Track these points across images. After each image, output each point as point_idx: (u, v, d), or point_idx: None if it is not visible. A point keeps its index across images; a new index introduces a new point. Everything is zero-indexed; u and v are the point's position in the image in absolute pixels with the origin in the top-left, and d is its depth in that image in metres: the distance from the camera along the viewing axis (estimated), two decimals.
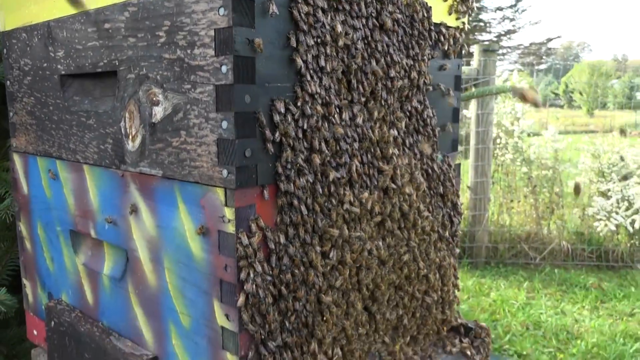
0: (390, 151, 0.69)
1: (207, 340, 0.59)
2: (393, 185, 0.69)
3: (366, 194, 0.65)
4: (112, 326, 0.75)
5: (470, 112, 3.21)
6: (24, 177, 0.88)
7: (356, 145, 0.64)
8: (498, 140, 3.44)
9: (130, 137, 0.65)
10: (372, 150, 0.67)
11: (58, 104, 0.77)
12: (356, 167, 0.64)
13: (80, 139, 0.74)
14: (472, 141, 3.16)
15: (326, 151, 0.60)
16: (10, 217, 1.14)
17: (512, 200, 3.48)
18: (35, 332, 0.94)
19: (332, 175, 0.59)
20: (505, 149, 3.45)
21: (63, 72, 0.75)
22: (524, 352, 2.31)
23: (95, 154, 0.72)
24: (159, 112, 0.60)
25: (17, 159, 0.89)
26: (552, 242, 3.40)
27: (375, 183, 0.68)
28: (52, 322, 0.82)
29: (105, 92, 0.71)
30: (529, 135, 3.55)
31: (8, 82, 0.88)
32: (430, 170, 0.79)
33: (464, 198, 3.47)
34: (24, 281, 0.95)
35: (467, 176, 3.31)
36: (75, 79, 0.76)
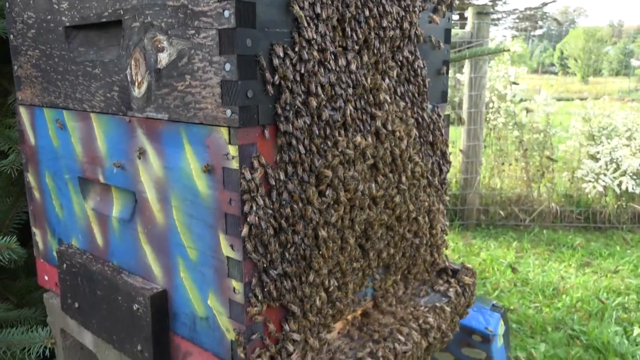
0: (382, 98, 0.73)
1: (213, 270, 0.65)
2: (384, 130, 0.73)
3: (359, 138, 0.70)
4: (122, 265, 0.80)
5: (464, 76, 3.23)
6: (31, 129, 0.92)
7: (350, 91, 0.68)
8: (491, 105, 3.47)
9: (136, 84, 0.68)
10: (365, 96, 0.71)
11: (63, 55, 0.80)
12: (350, 112, 0.68)
13: (87, 89, 0.77)
14: (465, 105, 3.19)
15: (322, 95, 0.64)
16: (15, 172, 1.18)
17: (503, 164, 3.54)
18: (46, 278, 0.99)
19: (326, 114, 0.64)
20: (497, 113, 3.49)
21: (67, 24, 0.78)
22: (512, 307, 2.41)
23: (102, 102, 0.75)
24: (164, 58, 0.64)
25: (23, 111, 0.93)
26: (542, 205, 3.47)
27: (368, 128, 0.72)
28: (64, 265, 0.87)
29: (110, 41, 0.74)
30: (521, 100, 3.58)
31: (11, 36, 0.90)
32: (420, 119, 0.84)
33: (456, 162, 3.52)
34: (34, 229, 0.99)
35: (460, 140, 3.36)
36: (80, 30, 0.78)
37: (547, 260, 2.96)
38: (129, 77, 0.69)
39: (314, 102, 0.63)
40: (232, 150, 0.58)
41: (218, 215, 0.62)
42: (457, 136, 3.56)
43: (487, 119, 3.49)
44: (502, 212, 3.38)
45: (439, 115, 0.88)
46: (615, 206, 3.41)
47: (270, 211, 0.61)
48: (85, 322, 0.85)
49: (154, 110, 0.67)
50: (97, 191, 0.83)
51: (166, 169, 0.67)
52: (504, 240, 3.22)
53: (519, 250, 3.10)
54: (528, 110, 3.24)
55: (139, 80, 0.68)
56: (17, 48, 0.90)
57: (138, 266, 0.77)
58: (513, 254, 3.01)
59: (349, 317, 0.78)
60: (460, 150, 3.35)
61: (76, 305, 0.86)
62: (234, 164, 0.58)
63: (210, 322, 0.67)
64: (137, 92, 0.68)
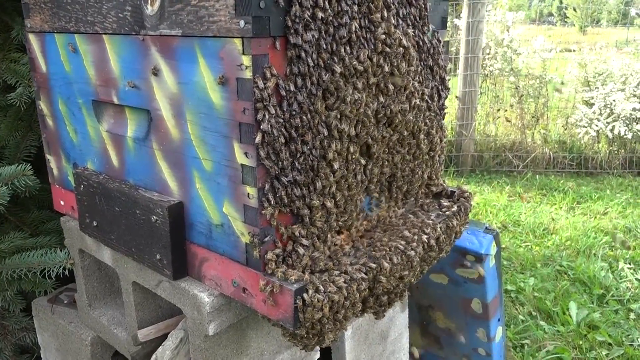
0: (385, 17, 0.76)
1: (228, 179, 0.69)
2: (387, 49, 0.77)
3: (362, 55, 0.73)
4: (138, 183, 0.84)
5: (461, 21, 3.21)
6: (42, 56, 0.94)
7: (355, 8, 0.71)
8: (487, 50, 3.46)
9: (149, 1, 0.70)
10: (369, 16, 0.74)
11: None
12: (355, 28, 0.71)
13: (98, 10, 0.79)
14: (462, 50, 3.18)
15: (329, 10, 0.66)
16: (23, 105, 1.21)
17: (498, 110, 3.56)
18: (62, 202, 1.04)
19: (332, 29, 0.67)
20: (494, 59, 3.49)
21: None
22: (503, 246, 2.50)
23: (114, 23, 0.77)
24: None
25: (32, 38, 0.95)
26: (536, 151, 3.53)
27: (372, 47, 0.75)
28: (82, 186, 0.91)
29: None
30: (517, 48, 3.56)
31: None
32: (421, 42, 0.86)
33: (452, 108, 3.55)
34: (48, 157, 1.03)
35: (456, 86, 3.38)
36: None
37: (539, 203, 3.04)
38: None
39: (320, 15, 0.65)
40: (246, 60, 0.61)
41: (232, 125, 0.66)
42: (453, 83, 3.57)
43: (484, 65, 3.49)
44: (495, 159, 3.44)
45: (439, 41, 0.91)
46: (607, 152, 3.48)
47: (282, 120, 0.65)
48: (104, 238, 0.90)
49: (167, 27, 0.69)
50: (111, 113, 0.86)
51: (180, 85, 0.71)
52: (497, 185, 3.29)
53: (511, 194, 3.17)
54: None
55: None
56: None
57: (154, 182, 0.81)
58: (506, 197, 3.08)
59: (353, 231, 0.83)
60: (456, 97, 3.37)
61: (94, 223, 0.91)
62: (248, 74, 0.62)
63: (226, 228, 0.72)
64: (150, 9, 0.71)
